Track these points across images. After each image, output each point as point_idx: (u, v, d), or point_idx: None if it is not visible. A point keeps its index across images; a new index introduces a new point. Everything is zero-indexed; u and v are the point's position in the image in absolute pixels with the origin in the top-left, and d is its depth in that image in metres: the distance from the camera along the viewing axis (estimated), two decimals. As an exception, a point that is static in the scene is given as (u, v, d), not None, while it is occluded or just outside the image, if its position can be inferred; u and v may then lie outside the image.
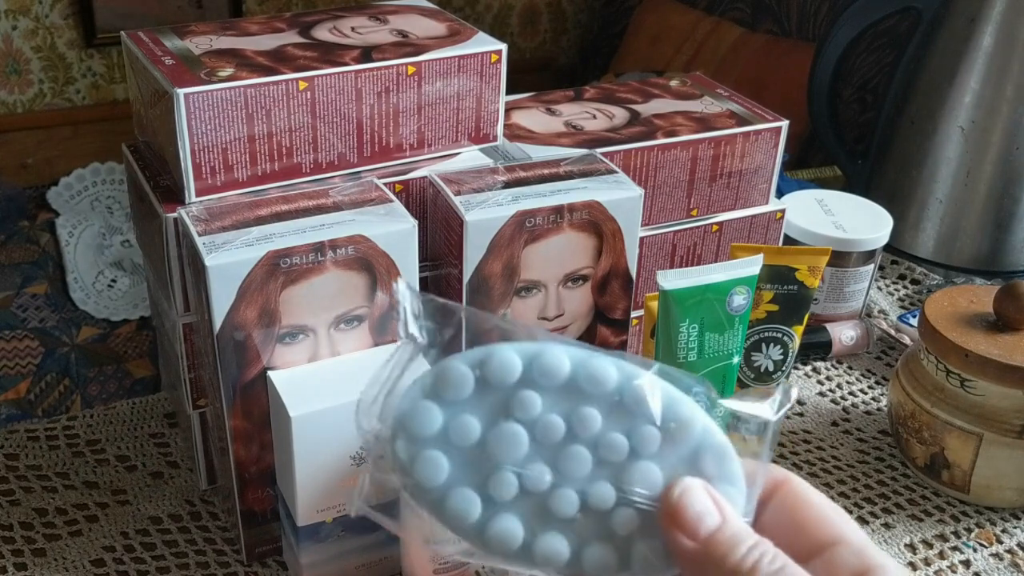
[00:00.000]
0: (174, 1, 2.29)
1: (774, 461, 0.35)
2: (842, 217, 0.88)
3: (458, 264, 0.62)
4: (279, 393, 0.56)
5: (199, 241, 0.55)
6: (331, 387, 0.57)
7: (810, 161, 1.78)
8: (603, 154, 0.69)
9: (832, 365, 0.88)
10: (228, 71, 0.60)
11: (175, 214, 0.59)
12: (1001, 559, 0.69)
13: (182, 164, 0.59)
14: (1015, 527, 0.71)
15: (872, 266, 0.88)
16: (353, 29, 0.68)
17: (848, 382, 0.86)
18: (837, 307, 0.89)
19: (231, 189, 0.62)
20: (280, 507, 0.62)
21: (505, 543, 0.32)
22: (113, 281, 1.97)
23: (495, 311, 0.64)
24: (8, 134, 2.25)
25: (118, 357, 1.74)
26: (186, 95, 0.58)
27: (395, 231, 0.58)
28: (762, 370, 0.75)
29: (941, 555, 0.69)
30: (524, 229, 0.62)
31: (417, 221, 0.58)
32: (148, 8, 2.27)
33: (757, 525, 0.34)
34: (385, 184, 0.63)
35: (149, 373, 1.71)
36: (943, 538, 0.70)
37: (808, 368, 0.87)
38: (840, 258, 0.85)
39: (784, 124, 0.77)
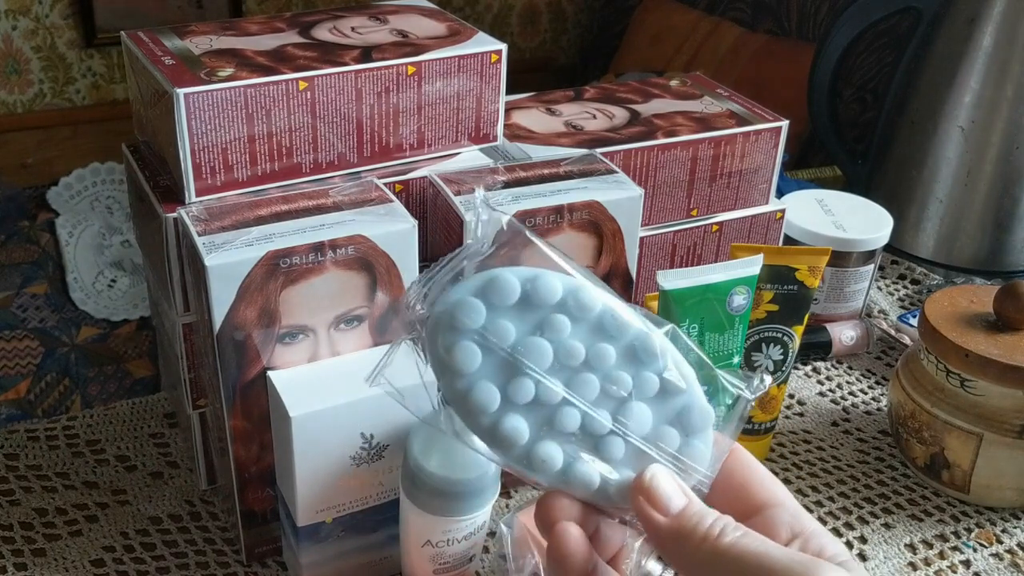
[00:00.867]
0: (174, 1, 2.29)
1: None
2: (842, 217, 0.88)
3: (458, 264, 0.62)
4: (279, 393, 0.56)
5: (199, 241, 0.55)
6: (331, 387, 0.57)
7: (810, 161, 1.78)
8: (603, 154, 0.69)
9: (832, 365, 0.88)
10: (228, 71, 0.60)
11: (175, 214, 0.59)
12: (1001, 559, 0.69)
13: (182, 164, 0.59)
14: (1015, 527, 0.71)
15: (872, 266, 0.88)
16: (353, 29, 0.68)
17: (848, 382, 0.86)
18: (837, 307, 0.89)
19: (231, 189, 0.62)
20: (280, 507, 0.62)
21: (512, 440, 0.36)
22: (113, 281, 1.97)
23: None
24: (8, 134, 2.25)
25: (118, 357, 1.74)
26: (186, 95, 0.58)
27: (395, 231, 0.58)
28: (762, 370, 0.75)
29: (941, 555, 0.69)
30: (524, 229, 0.62)
31: (417, 221, 0.58)
32: (148, 8, 2.27)
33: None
34: (385, 184, 0.63)
35: (149, 373, 1.71)
36: (943, 538, 0.70)
37: (808, 368, 0.87)
38: (840, 258, 0.85)
39: (784, 124, 0.77)
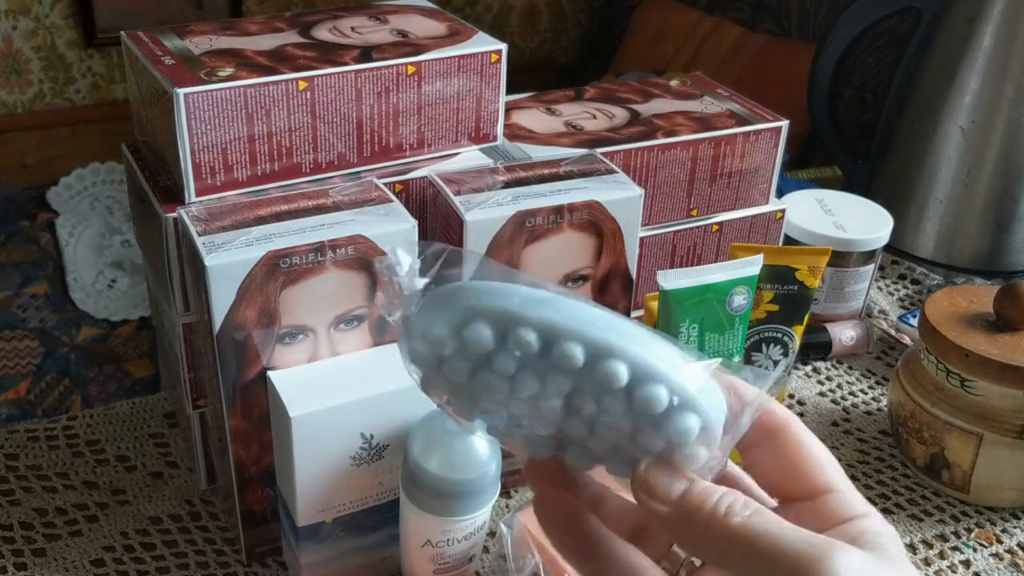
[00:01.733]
0: (174, 1, 2.29)
1: None
2: (842, 217, 0.88)
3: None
4: (279, 393, 0.56)
5: (199, 241, 0.55)
6: (331, 387, 0.57)
7: (810, 161, 1.78)
8: (603, 154, 0.69)
9: (832, 365, 0.88)
10: (228, 71, 0.60)
11: (175, 214, 0.59)
12: (1001, 559, 0.69)
13: (182, 164, 0.59)
14: (1015, 527, 0.71)
15: (872, 266, 0.88)
16: (353, 29, 0.68)
17: (848, 382, 0.86)
18: (837, 307, 0.89)
19: (231, 189, 0.62)
20: (280, 507, 0.62)
21: (480, 345, 0.34)
22: (113, 281, 1.97)
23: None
24: (8, 134, 2.25)
25: (118, 357, 1.75)
26: (186, 95, 0.58)
27: (395, 231, 0.58)
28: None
29: (941, 555, 0.69)
30: (524, 229, 0.62)
31: (417, 221, 0.58)
32: (148, 8, 2.27)
33: (755, 467, 0.36)
34: (385, 184, 0.63)
35: (149, 373, 1.71)
36: (943, 538, 0.70)
37: (808, 368, 0.87)
38: (840, 258, 0.85)
39: (784, 124, 0.77)
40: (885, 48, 1.85)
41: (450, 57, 0.65)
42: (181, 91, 0.58)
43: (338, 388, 0.57)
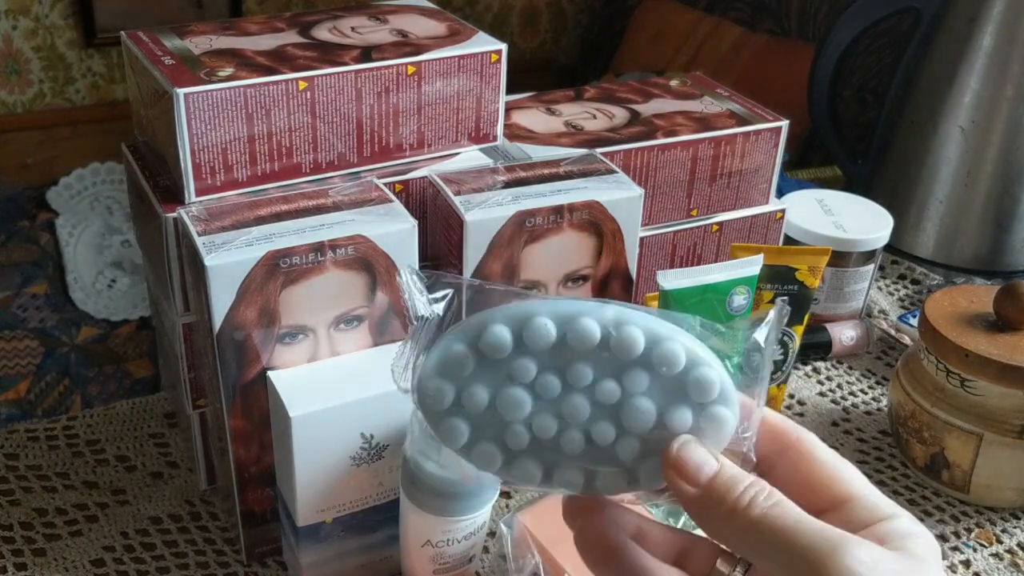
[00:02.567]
0: (174, 1, 2.29)
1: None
2: (842, 217, 0.88)
3: (458, 264, 0.62)
4: (279, 393, 0.56)
5: (199, 241, 0.55)
6: (331, 387, 0.57)
7: (810, 161, 1.78)
8: (603, 154, 0.69)
9: (832, 365, 0.88)
10: (228, 71, 0.60)
11: (175, 214, 0.59)
12: (1001, 559, 0.69)
13: (182, 164, 0.59)
14: (1015, 527, 0.71)
15: (872, 266, 0.88)
16: (353, 29, 0.68)
17: (848, 382, 0.86)
18: (837, 307, 0.89)
19: (231, 189, 0.62)
20: (280, 507, 0.62)
21: (527, 480, 0.36)
22: (113, 281, 1.97)
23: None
24: (8, 134, 2.25)
25: (118, 357, 1.75)
26: (186, 95, 0.58)
27: (395, 231, 0.58)
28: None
29: (941, 555, 0.69)
30: (524, 229, 0.62)
31: (417, 221, 0.58)
32: (148, 8, 2.27)
33: (775, 485, 0.36)
34: (385, 184, 0.63)
35: (149, 373, 1.71)
36: (943, 538, 0.70)
37: (808, 368, 0.87)
38: (840, 258, 0.85)
39: (784, 124, 0.77)
40: (885, 48, 1.85)
41: (450, 57, 0.65)
42: (181, 91, 0.58)
43: (338, 388, 0.57)
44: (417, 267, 0.60)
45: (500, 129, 0.70)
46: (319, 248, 0.56)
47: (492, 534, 0.65)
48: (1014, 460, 0.69)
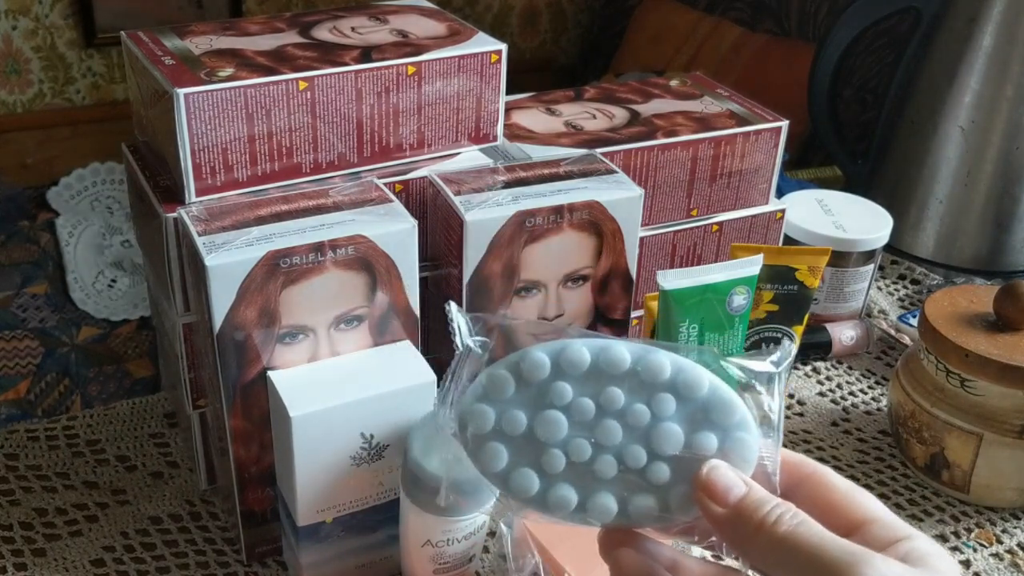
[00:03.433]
0: (174, 1, 2.29)
1: (785, 446, 0.39)
2: (842, 217, 0.88)
3: (458, 264, 0.62)
4: (279, 393, 0.56)
5: (199, 241, 0.55)
6: (331, 387, 0.57)
7: (810, 161, 1.78)
8: (603, 154, 0.69)
9: (832, 365, 0.88)
10: (228, 71, 0.60)
11: (175, 214, 0.59)
12: (1001, 559, 0.69)
13: (182, 164, 0.59)
14: (1015, 527, 0.71)
15: (872, 266, 0.88)
16: (353, 29, 0.68)
17: (848, 382, 0.86)
18: (837, 307, 0.89)
19: (231, 189, 0.62)
20: (280, 507, 0.62)
21: (562, 507, 0.38)
22: (113, 281, 1.97)
23: (495, 311, 0.64)
24: (8, 134, 2.25)
25: (118, 357, 1.74)
26: (186, 95, 0.58)
27: (395, 231, 0.58)
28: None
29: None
30: (524, 229, 0.62)
31: (417, 221, 0.58)
32: (148, 8, 2.27)
33: None
34: (385, 184, 0.63)
35: (149, 373, 1.71)
36: (943, 538, 0.70)
37: (808, 368, 0.87)
38: (840, 258, 0.85)
39: (784, 124, 0.77)
40: (885, 48, 1.85)
41: (450, 57, 0.65)
42: (181, 91, 0.58)
43: (338, 388, 0.57)
44: (417, 266, 0.60)
45: (500, 129, 0.70)
46: (319, 248, 0.56)
47: (492, 534, 0.65)
48: (1014, 460, 0.69)
